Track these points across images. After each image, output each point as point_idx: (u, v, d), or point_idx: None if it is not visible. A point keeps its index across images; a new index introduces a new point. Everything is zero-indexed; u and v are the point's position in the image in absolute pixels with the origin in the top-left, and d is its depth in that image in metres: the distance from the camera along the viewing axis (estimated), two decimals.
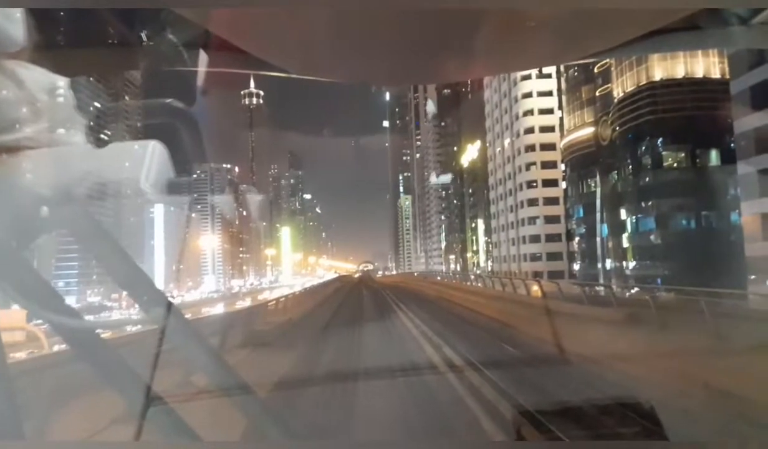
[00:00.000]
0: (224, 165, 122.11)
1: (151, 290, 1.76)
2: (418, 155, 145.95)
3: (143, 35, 2.10)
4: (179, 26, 1.96)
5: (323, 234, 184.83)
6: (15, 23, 1.48)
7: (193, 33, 1.96)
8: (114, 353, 1.72)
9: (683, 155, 45.33)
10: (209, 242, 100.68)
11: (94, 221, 1.60)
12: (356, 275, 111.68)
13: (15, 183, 1.46)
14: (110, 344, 1.75)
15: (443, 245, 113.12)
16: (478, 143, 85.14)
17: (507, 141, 70.55)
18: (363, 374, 10.56)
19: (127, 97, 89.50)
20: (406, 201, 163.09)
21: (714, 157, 43.89)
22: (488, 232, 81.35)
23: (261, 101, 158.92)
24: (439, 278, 63.71)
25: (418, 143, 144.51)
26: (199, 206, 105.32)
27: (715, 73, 44.09)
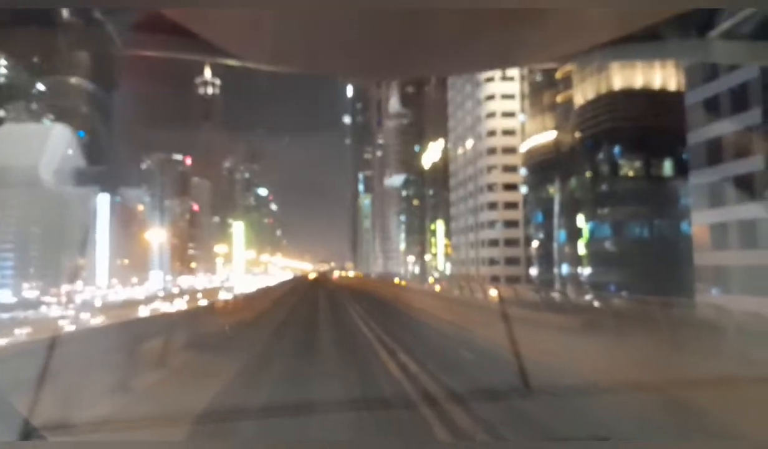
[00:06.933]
0: (175, 156, 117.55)
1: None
2: (379, 153, 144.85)
3: (93, 16, 2.22)
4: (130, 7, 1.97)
5: (278, 232, 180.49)
6: None
7: (144, 14, 1.93)
8: None
9: (638, 164, 46.20)
10: (157, 236, 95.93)
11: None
12: (311, 276, 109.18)
13: None
14: None
15: (402, 246, 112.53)
16: (440, 143, 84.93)
17: (469, 143, 70.43)
18: (313, 376, 10.28)
19: (72, 79, 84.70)
20: (365, 200, 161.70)
21: (668, 167, 45.00)
22: (448, 234, 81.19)
23: (217, 91, 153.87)
24: (396, 280, 63.38)
25: (380, 141, 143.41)
26: (147, 198, 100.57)
27: (671, 86, 44.96)
